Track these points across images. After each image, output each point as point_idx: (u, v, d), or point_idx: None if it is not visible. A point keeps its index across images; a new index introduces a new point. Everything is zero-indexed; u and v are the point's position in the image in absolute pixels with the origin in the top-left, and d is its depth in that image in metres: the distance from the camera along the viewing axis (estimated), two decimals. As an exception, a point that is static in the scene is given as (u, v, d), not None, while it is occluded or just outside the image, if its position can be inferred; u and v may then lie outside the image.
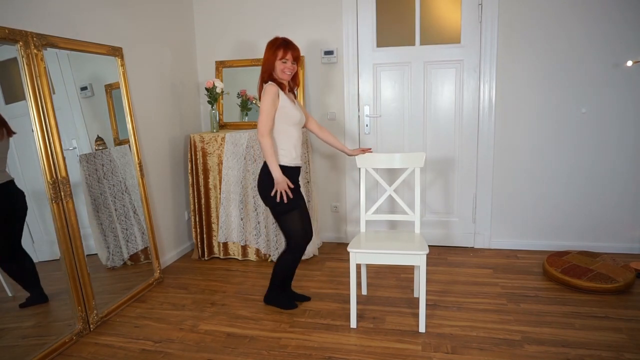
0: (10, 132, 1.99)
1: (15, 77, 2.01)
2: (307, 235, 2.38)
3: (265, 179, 2.29)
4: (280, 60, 2.24)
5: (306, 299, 2.56)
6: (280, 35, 2.33)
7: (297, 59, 2.30)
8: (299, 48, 2.31)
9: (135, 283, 2.71)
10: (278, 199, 2.23)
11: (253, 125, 3.52)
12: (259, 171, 3.03)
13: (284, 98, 2.25)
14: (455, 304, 2.45)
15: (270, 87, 2.22)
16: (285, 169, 2.26)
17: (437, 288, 2.66)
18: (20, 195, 2.03)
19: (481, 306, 2.42)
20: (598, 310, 2.32)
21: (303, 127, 2.46)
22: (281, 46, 2.24)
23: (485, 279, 2.77)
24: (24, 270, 2.06)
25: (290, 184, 2.24)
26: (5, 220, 2.00)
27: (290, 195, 2.23)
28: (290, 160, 2.31)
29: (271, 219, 3.09)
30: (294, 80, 2.41)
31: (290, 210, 2.29)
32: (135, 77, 2.85)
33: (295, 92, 2.47)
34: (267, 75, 2.28)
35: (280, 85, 2.27)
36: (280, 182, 2.20)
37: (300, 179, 3.00)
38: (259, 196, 3.09)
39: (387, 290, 2.66)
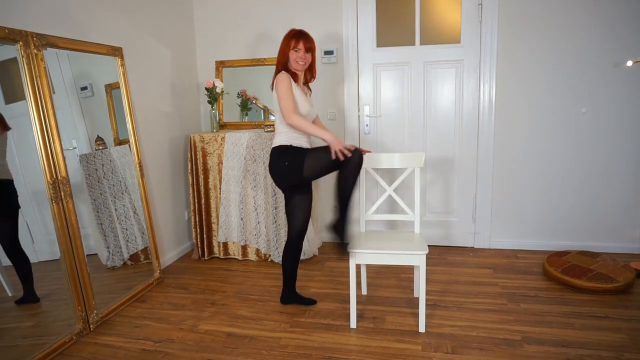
0: (6, 127, 1.99)
1: (15, 77, 2.01)
2: (305, 228, 2.39)
3: (276, 161, 2.30)
4: (293, 50, 2.27)
5: (312, 302, 2.53)
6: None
7: (311, 49, 2.31)
8: (313, 39, 2.33)
9: (135, 283, 2.71)
10: (334, 156, 2.14)
11: (253, 125, 3.52)
12: (260, 170, 3.08)
13: (295, 88, 2.27)
14: (455, 304, 2.45)
15: (282, 75, 2.24)
16: (300, 150, 2.27)
17: (437, 288, 2.66)
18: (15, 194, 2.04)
19: (481, 306, 2.42)
20: (598, 310, 2.32)
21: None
22: (294, 36, 2.28)
23: (485, 279, 2.77)
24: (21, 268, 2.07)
25: (345, 144, 2.14)
26: (8, 214, 2.02)
27: (348, 154, 2.11)
28: (304, 143, 2.31)
29: (271, 219, 3.09)
30: (311, 72, 2.42)
31: (300, 192, 2.33)
32: (135, 77, 2.85)
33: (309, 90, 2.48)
34: (282, 66, 2.30)
35: (294, 77, 2.29)
36: (335, 142, 2.13)
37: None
38: (259, 196, 3.11)
39: (387, 290, 2.66)
